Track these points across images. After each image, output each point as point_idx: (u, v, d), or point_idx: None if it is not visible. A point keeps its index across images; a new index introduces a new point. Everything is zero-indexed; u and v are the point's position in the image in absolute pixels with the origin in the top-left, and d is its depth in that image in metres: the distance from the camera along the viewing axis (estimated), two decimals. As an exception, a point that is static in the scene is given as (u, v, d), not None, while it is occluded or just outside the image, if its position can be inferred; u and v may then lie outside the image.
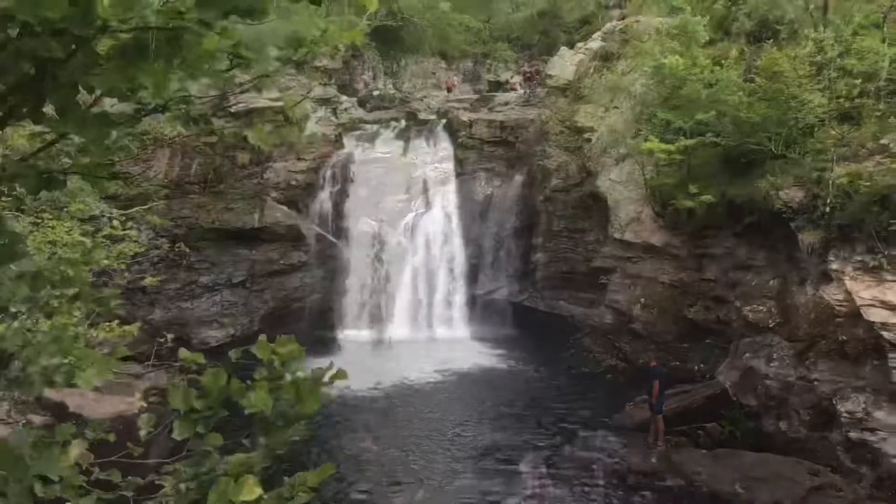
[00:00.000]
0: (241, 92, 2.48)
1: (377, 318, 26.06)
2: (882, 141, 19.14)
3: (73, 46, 1.79)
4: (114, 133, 2.30)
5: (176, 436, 3.73)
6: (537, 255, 28.87)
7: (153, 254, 22.81)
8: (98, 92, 2.16)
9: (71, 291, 3.26)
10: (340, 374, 4.11)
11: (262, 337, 4.00)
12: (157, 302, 23.51)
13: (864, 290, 17.68)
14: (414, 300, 26.59)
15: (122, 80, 1.86)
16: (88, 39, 1.78)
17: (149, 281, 10.82)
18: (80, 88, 2.03)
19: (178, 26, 1.80)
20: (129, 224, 18.37)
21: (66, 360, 2.81)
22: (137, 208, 23.00)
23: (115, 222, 16.94)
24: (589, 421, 20.51)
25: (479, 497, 16.32)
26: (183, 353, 4.33)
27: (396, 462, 18.03)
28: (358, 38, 2.19)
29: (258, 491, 3.36)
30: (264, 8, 2.02)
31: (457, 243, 27.81)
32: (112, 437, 4.27)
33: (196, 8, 1.81)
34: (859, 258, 18.16)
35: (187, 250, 22.25)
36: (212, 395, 3.86)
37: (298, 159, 26.28)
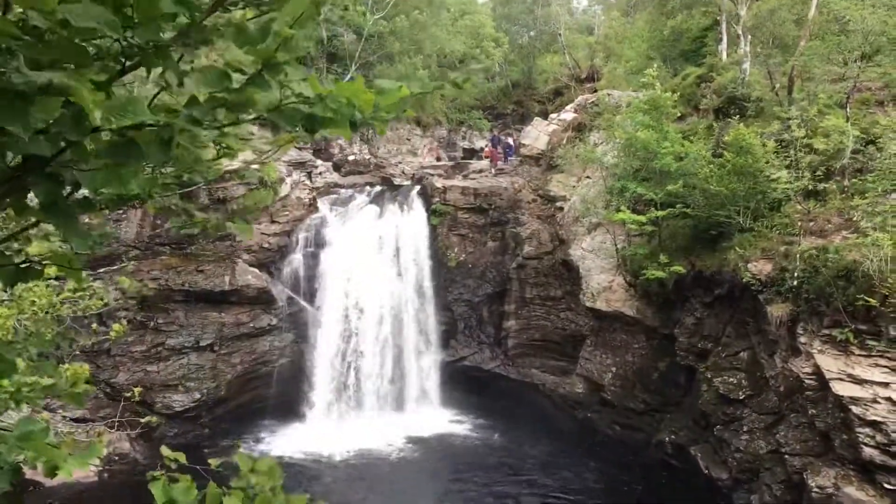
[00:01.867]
0: (226, 180, 2.48)
1: (346, 383, 25.74)
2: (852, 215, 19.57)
3: (63, 144, 1.77)
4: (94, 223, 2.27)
5: None
6: (509, 322, 28.85)
7: (121, 314, 22.44)
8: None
9: (45, 382, 3.19)
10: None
11: (241, 450, 3.95)
12: (121, 364, 23.04)
13: (832, 364, 17.83)
14: (384, 367, 26.33)
15: (112, 181, 1.84)
16: (79, 141, 1.77)
17: (115, 330, 10.63)
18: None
19: (170, 123, 1.80)
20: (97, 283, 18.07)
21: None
22: (106, 269, 22.73)
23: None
24: (562, 487, 20.26)
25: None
26: (164, 451, 4.27)
27: None
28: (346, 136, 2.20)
29: None
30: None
31: (429, 309, 27.75)
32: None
33: (188, 105, 1.81)
34: (827, 332, 18.37)
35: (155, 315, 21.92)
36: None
37: (272, 222, 26.23)
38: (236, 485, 3.73)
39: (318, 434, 23.18)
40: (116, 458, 20.00)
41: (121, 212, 23.37)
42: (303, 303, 26.09)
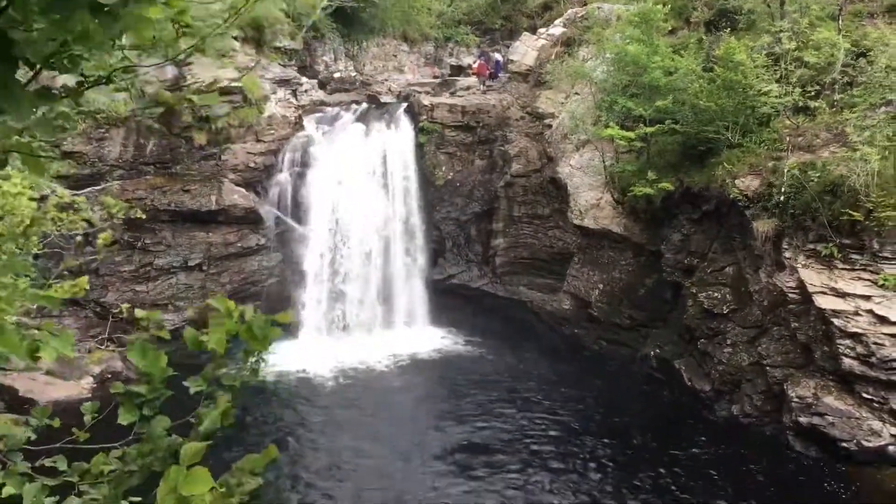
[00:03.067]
0: (187, 57, 2.39)
1: (336, 302, 25.90)
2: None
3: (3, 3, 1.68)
4: (55, 109, 2.20)
5: (121, 421, 3.67)
6: (497, 240, 28.92)
7: (108, 234, 22.30)
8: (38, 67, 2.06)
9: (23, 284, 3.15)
10: (286, 317, 4.08)
11: (221, 293, 3.97)
12: (110, 284, 23.05)
13: (815, 278, 18.04)
14: (373, 284, 26.47)
15: (59, 32, 1.75)
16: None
17: (102, 238, 10.54)
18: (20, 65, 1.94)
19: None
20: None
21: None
22: (90, 189, 22.52)
23: (62, 190, 16.48)
24: (547, 397, 20.67)
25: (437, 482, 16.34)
26: (139, 312, 4.27)
27: (349, 447, 17.87)
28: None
29: (209, 482, 3.30)
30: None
31: (417, 228, 27.74)
32: (57, 423, 4.19)
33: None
34: (811, 246, 18.53)
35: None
36: (154, 378, 3.80)
37: (257, 141, 25.90)
38: (214, 321, 3.73)
39: (308, 352, 23.40)
40: (109, 375, 20.20)
41: (103, 130, 23.01)
42: (290, 222, 26.02)
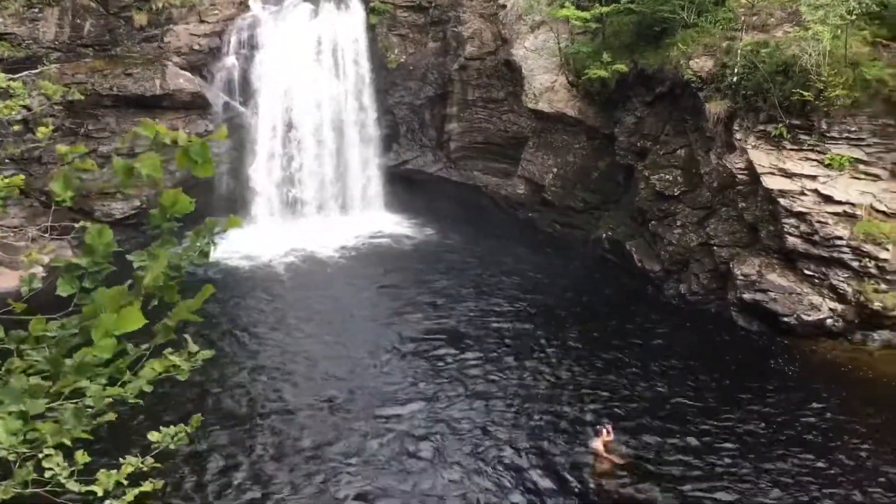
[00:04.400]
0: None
1: (289, 187, 25.60)
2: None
3: None
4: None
5: (59, 292, 3.62)
6: (452, 124, 28.61)
7: (48, 121, 21.57)
8: None
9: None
10: (220, 133, 4.00)
11: (146, 120, 3.85)
12: (53, 172, 22.43)
13: (764, 159, 18.29)
14: (326, 170, 26.16)
15: None
16: None
17: (41, 133, 10.13)
18: None
19: None
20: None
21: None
22: (27, 73, 21.58)
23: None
24: (503, 281, 20.98)
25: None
26: (61, 148, 4.14)
27: (303, 335, 17.92)
28: None
29: (141, 319, 3.27)
30: None
31: (370, 112, 27.25)
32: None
33: None
34: (762, 127, 18.69)
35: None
36: (97, 251, 3.72)
37: (201, 22, 24.86)
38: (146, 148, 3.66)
39: (261, 237, 23.23)
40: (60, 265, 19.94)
41: (36, 10, 21.85)
42: (239, 108, 25.36)
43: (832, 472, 12.62)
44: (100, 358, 3.49)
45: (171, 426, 5.43)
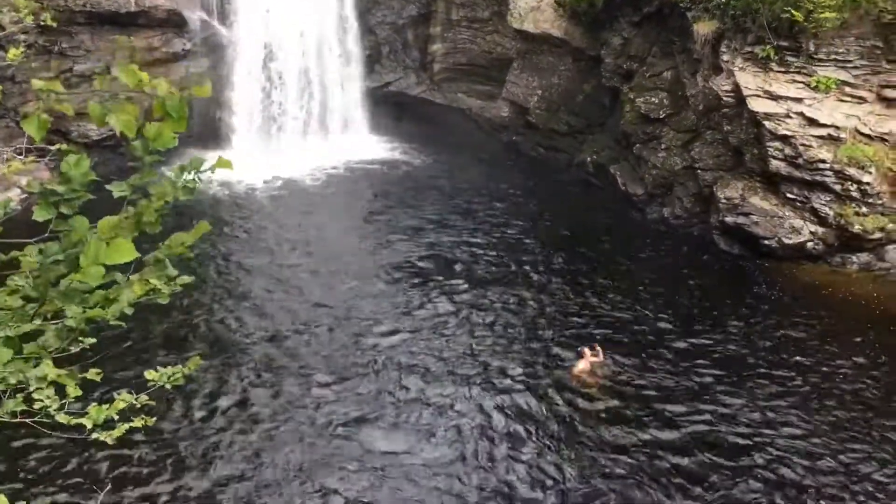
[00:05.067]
0: None
1: (269, 109, 25.15)
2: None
3: None
4: None
5: (35, 217, 3.57)
6: (435, 45, 28.10)
7: (20, 38, 20.93)
8: None
9: None
10: (202, 89, 3.93)
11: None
12: (28, 92, 21.88)
13: (750, 81, 18.13)
14: (307, 91, 25.66)
15: None
16: None
17: (10, 56, 9.84)
18: None
19: None
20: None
21: None
22: (-4, -13, 20.81)
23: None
24: (486, 205, 20.94)
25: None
26: (36, 83, 4.03)
27: (285, 262, 17.73)
28: None
29: (133, 252, 3.23)
30: None
31: (351, 32, 26.61)
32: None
33: None
34: (749, 49, 18.46)
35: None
36: (74, 179, 3.66)
37: (175, -65, 23.97)
38: (123, 97, 3.59)
39: (241, 160, 22.71)
40: (36, 191, 19.64)
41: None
42: (217, 26, 24.70)
43: (809, 390, 12.93)
44: (87, 285, 3.46)
45: (168, 366, 5.46)
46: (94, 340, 4.14)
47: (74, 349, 3.94)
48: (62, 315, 3.79)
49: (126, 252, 3.21)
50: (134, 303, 3.86)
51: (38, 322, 3.73)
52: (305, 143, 25.15)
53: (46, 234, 3.68)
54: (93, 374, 4.93)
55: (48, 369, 4.09)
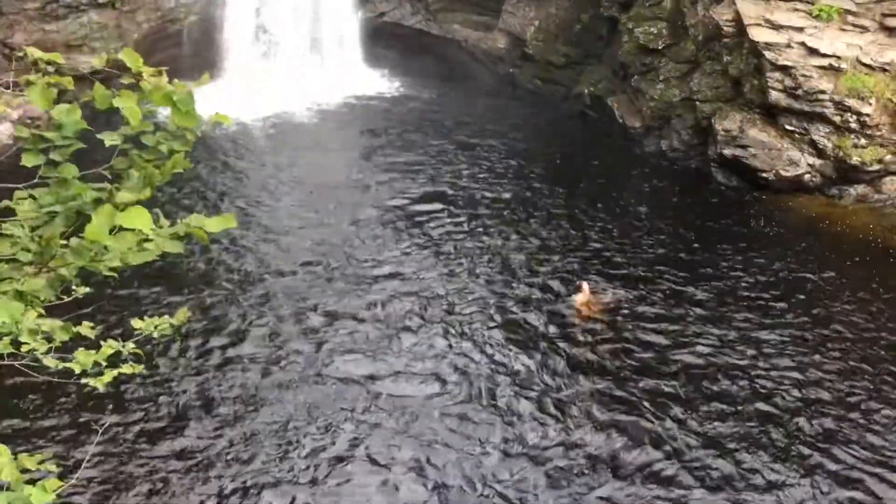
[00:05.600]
0: None
1: (262, 40, 24.56)
2: None
3: None
4: None
5: (24, 163, 3.54)
6: (430, -26, 27.43)
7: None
8: None
9: None
10: (221, 117, 3.95)
11: (128, 48, 3.69)
12: (16, 24, 21.44)
13: (751, 9, 17.82)
14: (301, 21, 25.04)
15: None
16: None
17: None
18: None
19: None
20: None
21: None
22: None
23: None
24: (484, 139, 20.74)
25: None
26: (31, 51, 3.99)
27: (283, 202, 17.50)
28: None
29: (149, 219, 3.21)
30: None
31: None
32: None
33: None
34: (751, -24, 18.08)
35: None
36: (66, 126, 3.62)
37: None
38: (126, 81, 3.54)
39: (233, 94, 21.99)
40: (29, 120, 19.40)
41: None
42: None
43: (806, 322, 13.04)
44: (98, 245, 3.45)
45: (156, 316, 5.48)
46: (88, 290, 4.12)
47: (67, 298, 3.94)
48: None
49: (141, 219, 3.20)
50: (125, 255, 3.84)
51: (30, 270, 3.73)
52: (299, 77, 24.65)
53: (35, 181, 3.65)
54: (86, 328, 4.92)
55: (41, 321, 4.11)
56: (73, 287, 4.43)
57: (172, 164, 3.78)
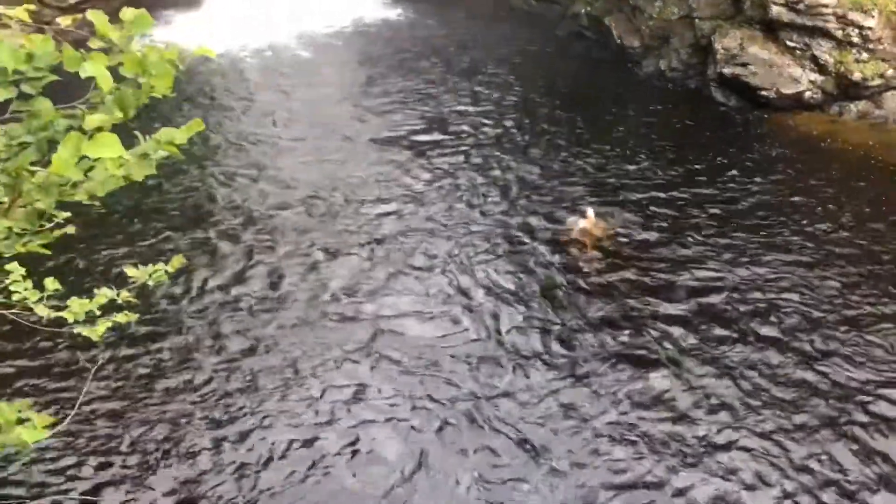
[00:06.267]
0: None
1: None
2: None
3: None
4: None
5: None
6: None
7: None
8: None
9: None
10: (205, 50, 3.78)
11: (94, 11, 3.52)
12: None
13: (752, -79, 17.28)
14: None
15: None
16: None
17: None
18: None
19: None
20: None
21: None
22: None
23: None
24: (482, 62, 20.38)
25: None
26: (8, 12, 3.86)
27: (276, 130, 17.26)
28: None
29: (119, 147, 3.11)
30: None
31: None
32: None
33: None
34: None
35: None
36: (39, 58, 3.48)
37: None
38: (94, 45, 3.40)
39: (219, 24, 21.28)
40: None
41: None
42: None
43: (808, 242, 13.00)
44: (66, 178, 3.36)
45: (150, 264, 5.40)
46: (67, 214, 4.05)
47: (48, 225, 3.88)
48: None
49: (111, 147, 3.10)
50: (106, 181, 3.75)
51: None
52: (290, 3, 23.78)
53: (7, 116, 3.55)
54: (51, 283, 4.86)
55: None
56: (60, 220, 4.36)
57: (149, 87, 3.63)
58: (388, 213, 13.78)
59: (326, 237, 13.00)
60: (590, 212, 13.07)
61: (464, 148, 16.34)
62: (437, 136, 16.83)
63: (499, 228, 13.36)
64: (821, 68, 17.30)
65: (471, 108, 18.19)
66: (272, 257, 12.42)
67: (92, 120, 3.24)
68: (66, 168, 3.13)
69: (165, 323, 10.80)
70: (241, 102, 18.58)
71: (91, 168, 3.77)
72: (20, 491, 7.87)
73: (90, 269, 11.57)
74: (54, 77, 3.49)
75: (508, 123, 17.48)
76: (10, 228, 3.67)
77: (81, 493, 7.96)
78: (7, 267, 4.56)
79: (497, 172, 15.28)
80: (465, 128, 17.25)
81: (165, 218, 13.38)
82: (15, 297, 4.57)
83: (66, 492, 7.95)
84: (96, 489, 8.13)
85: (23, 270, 4.69)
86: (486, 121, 17.59)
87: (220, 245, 12.67)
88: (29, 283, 4.77)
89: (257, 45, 21.54)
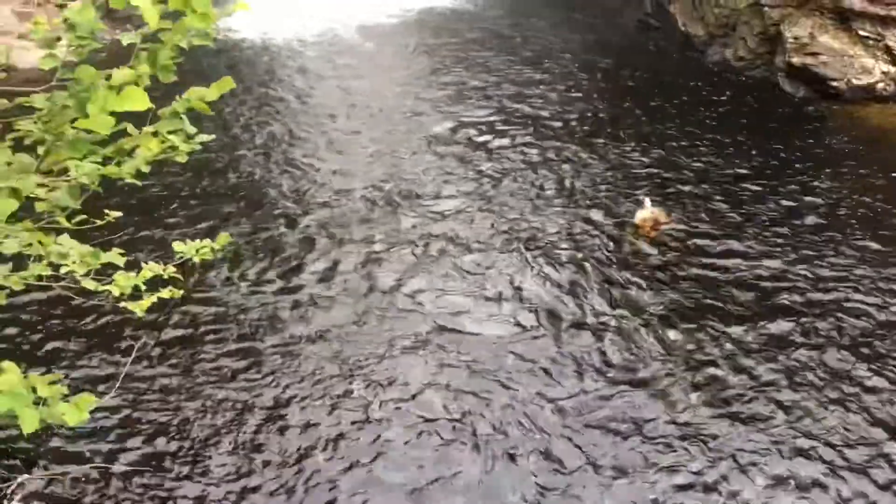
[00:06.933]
0: None
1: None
2: None
3: None
4: None
5: (41, 66, 3.45)
6: None
7: None
8: None
9: None
10: (241, 6, 3.72)
11: None
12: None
13: None
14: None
15: None
16: None
17: None
18: None
19: None
20: None
21: None
22: None
23: None
24: (544, 51, 20.08)
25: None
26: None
27: (326, 119, 17.10)
28: None
29: (146, 100, 3.05)
30: None
31: None
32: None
33: None
34: None
35: None
36: (81, 26, 3.46)
37: None
38: None
39: (278, 12, 20.88)
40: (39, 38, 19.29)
41: None
42: None
43: (873, 240, 12.46)
44: (95, 135, 3.34)
45: (198, 240, 5.37)
46: (119, 214, 4.06)
47: (100, 222, 3.88)
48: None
49: (138, 100, 3.05)
50: (151, 161, 3.73)
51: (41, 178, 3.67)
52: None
53: (53, 83, 3.56)
54: (115, 255, 4.85)
55: (70, 243, 4.05)
56: (106, 212, 4.36)
57: (221, 86, 3.59)
58: (448, 208, 13.48)
59: (384, 229, 12.80)
60: (648, 201, 12.72)
61: (525, 141, 15.97)
62: (498, 129, 16.48)
63: (559, 223, 13.01)
64: (894, 59, 16.64)
65: (533, 101, 17.82)
66: (328, 246, 12.30)
67: (119, 75, 3.20)
68: (96, 124, 3.11)
69: (216, 304, 10.82)
70: (299, 92, 18.43)
71: (136, 147, 3.74)
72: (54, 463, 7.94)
73: (141, 245, 11.68)
74: (97, 44, 3.47)
75: (571, 115, 17.09)
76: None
77: (124, 465, 7.99)
78: (59, 239, 4.57)
79: (558, 166, 14.92)
80: (527, 120, 16.89)
81: (222, 201, 13.46)
82: (63, 270, 4.57)
83: (106, 467, 7.97)
84: (143, 461, 8.16)
85: (74, 243, 4.70)
86: (547, 113, 17.21)
87: (276, 231, 12.66)
88: (78, 256, 4.78)
89: (310, 28, 21.33)
